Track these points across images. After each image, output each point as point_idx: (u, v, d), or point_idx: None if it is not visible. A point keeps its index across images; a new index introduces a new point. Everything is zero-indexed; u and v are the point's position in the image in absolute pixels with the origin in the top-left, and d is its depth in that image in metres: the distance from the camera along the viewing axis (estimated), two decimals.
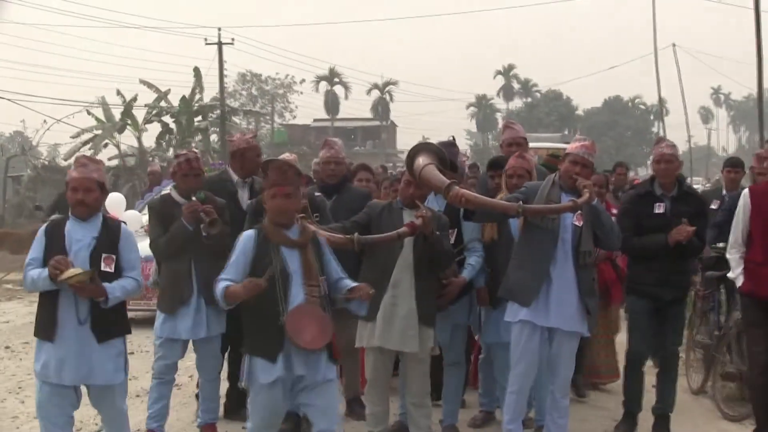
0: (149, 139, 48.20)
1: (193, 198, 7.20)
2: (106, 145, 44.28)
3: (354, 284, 5.83)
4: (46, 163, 46.31)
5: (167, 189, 8.20)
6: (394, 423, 7.65)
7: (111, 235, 6.00)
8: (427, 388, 7.14)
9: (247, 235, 5.68)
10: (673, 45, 54.89)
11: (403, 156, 11.62)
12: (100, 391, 6.03)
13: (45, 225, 6.11)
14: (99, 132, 43.87)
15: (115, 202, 15.11)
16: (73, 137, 44.07)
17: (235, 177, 8.15)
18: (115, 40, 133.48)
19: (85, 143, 43.12)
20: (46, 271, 5.64)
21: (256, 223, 7.23)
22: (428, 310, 6.89)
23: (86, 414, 7.55)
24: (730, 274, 7.54)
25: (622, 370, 8.11)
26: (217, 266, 7.20)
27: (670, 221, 7.39)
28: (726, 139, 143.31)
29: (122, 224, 6.22)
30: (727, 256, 7.52)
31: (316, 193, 7.97)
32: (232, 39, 50.91)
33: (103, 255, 5.91)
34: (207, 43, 49.65)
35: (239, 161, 8.16)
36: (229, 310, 5.83)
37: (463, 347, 7.80)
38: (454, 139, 8.40)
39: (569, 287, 6.67)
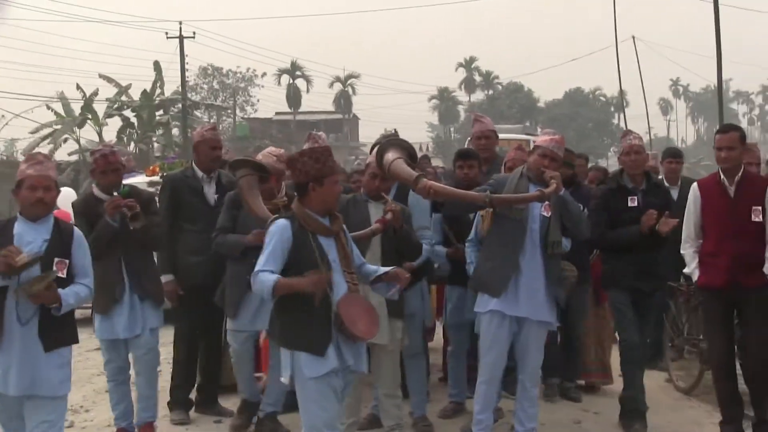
0: (110, 134, 47.97)
1: (115, 193, 7.03)
2: (66, 140, 44.08)
3: (385, 269, 5.82)
4: (5, 158, 45.91)
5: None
6: (367, 415, 7.70)
7: (64, 238, 5.65)
8: (398, 379, 7.22)
9: (283, 225, 5.50)
10: (633, 37, 55.23)
11: (366, 149, 11.67)
12: (41, 402, 5.53)
13: None
14: (59, 127, 43.59)
15: (65, 198, 14.13)
16: (32, 132, 43.80)
17: (199, 173, 8.07)
18: (75, 34, 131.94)
19: (44, 138, 42.85)
20: None
21: (234, 217, 7.28)
22: (397, 303, 6.91)
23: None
24: (686, 270, 7.57)
25: (620, 365, 7.86)
26: (146, 260, 7.19)
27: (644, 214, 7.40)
28: (685, 130, 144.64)
29: (74, 228, 5.90)
30: (682, 251, 7.51)
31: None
32: (194, 33, 50.71)
33: (56, 259, 5.54)
34: (168, 37, 49.40)
35: (197, 155, 8.18)
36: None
37: (420, 338, 7.80)
38: (396, 132, 8.52)
39: (538, 277, 6.76)
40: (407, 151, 6.68)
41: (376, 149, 6.80)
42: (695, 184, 7.58)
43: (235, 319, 7.37)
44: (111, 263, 7.04)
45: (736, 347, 7.49)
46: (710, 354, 7.67)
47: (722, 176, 7.18)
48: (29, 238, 5.51)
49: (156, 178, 12.84)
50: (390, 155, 6.52)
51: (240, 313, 7.32)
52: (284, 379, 5.55)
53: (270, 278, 5.32)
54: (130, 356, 7.37)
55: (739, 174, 7.12)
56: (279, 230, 5.46)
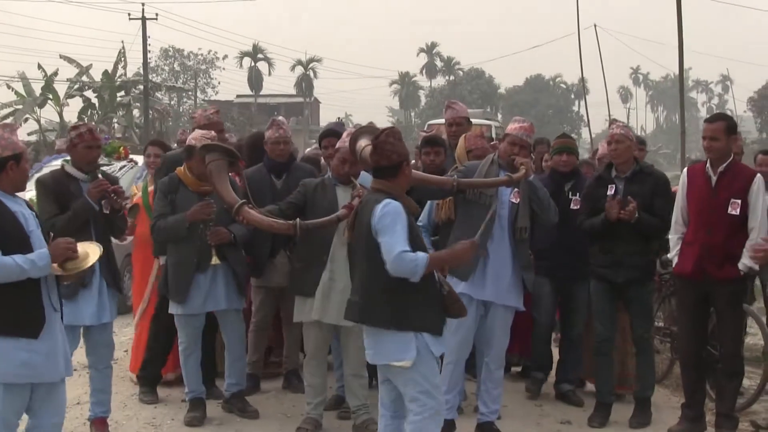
0: (71, 114, 47.67)
1: (99, 176, 6.98)
2: (26, 120, 43.72)
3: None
4: None
5: (56, 163, 7.88)
6: (332, 396, 7.83)
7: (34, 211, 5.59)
8: (364, 360, 7.28)
9: (399, 205, 5.44)
10: (595, 26, 55.45)
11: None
12: (54, 386, 5.47)
13: None
14: (20, 107, 43.26)
15: None
16: None
17: None
18: (36, 13, 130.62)
19: (4, 117, 42.47)
20: (43, 258, 5.18)
21: (172, 201, 7.30)
22: None
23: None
24: (668, 255, 7.56)
25: (593, 357, 7.93)
26: (109, 247, 6.90)
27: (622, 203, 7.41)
28: (644, 118, 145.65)
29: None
30: (669, 236, 7.48)
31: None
32: (156, 14, 50.46)
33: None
34: (131, 18, 49.11)
35: None
36: None
37: None
38: (340, 119, 8.63)
39: (505, 262, 6.91)
40: None
41: (349, 136, 6.87)
42: (685, 169, 7.60)
43: (185, 303, 7.33)
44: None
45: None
46: (679, 342, 7.75)
47: (708, 164, 7.20)
48: (26, 213, 5.40)
49: None
50: (362, 142, 6.62)
51: (191, 297, 7.31)
52: (406, 363, 5.45)
53: (420, 256, 5.33)
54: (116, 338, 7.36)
55: (724, 164, 7.10)
56: (399, 210, 5.41)
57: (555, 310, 8.41)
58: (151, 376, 8.20)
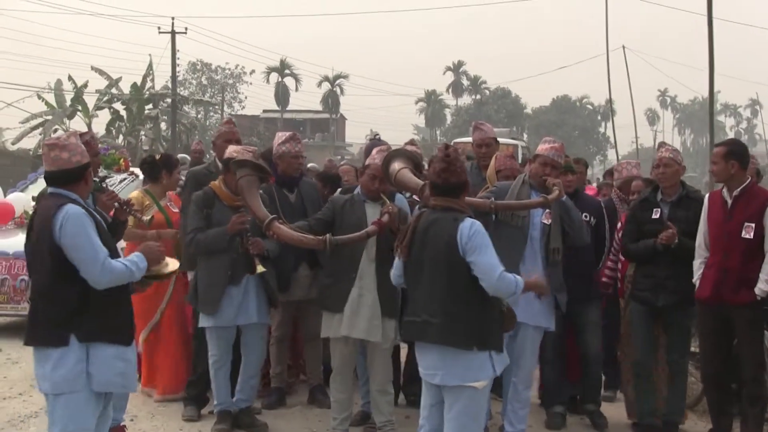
0: (99, 126, 48.01)
1: (105, 186, 6.97)
2: (55, 131, 43.94)
3: None
4: None
5: None
6: (357, 412, 7.82)
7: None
8: (390, 376, 7.35)
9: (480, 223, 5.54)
10: (623, 47, 55.49)
11: (352, 149, 11.76)
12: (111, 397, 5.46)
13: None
14: (49, 117, 43.58)
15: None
16: (22, 122, 43.75)
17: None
18: (69, 25, 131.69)
19: (34, 128, 42.81)
20: (143, 261, 5.27)
21: (207, 216, 7.33)
22: (390, 302, 7.08)
23: None
24: (693, 280, 7.42)
25: (632, 380, 7.94)
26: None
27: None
28: (671, 141, 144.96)
29: None
30: (694, 261, 7.41)
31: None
32: (186, 28, 50.79)
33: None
34: (160, 32, 49.43)
35: (216, 150, 8.25)
36: None
37: None
38: (377, 136, 8.71)
39: None
40: (413, 161, 6.80)
41: (383, 158, 6.89)
42: (707, 195, 7.60)
43: (215, 314, 7.35)
44: None
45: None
46: (702, 367, 7.73)
47: (724, 189, 7.24)
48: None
49: None
50: (396, 165, 6.65)
51: (222, 309, 7.32)
52: (483, 383, 5.49)
53: (518, 278, 5.48)
54: None
55: (740, 188, 7.12)
56: (483, 229, 5.50)
57: (563, 340, 8.04)
58: (198, 395, 8.09)
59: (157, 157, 8.61)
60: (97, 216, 5.26)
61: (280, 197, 7.98)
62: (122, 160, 13.03)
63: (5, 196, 13.79)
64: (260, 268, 7.25)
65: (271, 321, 8.06)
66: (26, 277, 10.93)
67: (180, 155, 15.30)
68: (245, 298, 7.36)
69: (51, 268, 5.01)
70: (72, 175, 5.18)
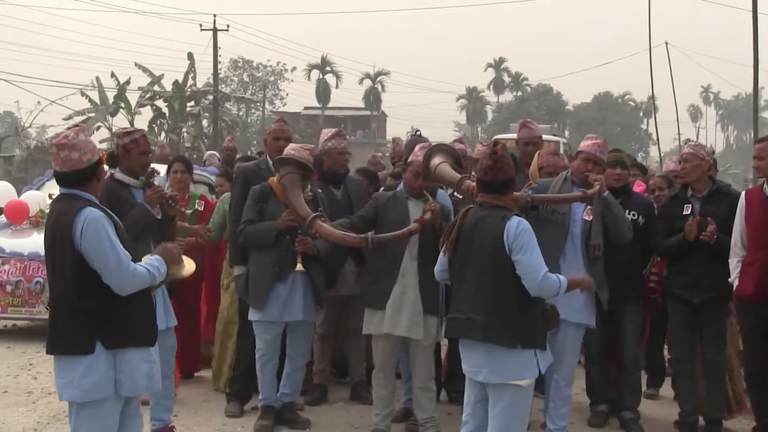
0: (142, 123, 48.25)
1: (156, 183, 6.97)
2: (98, 128, 44.33)
3: None
4: (39, 144, 46.26)
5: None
6: (400, 409, 7.85)
7: None
8: (432, 373, 7.37)
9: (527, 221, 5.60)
10: (666, 43, 54.97)
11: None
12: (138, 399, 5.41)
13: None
14: (92, 114, 43.92)
15: (2, 191, 13.38)
16: (65, 119, 44.08)
17: (272, 164, 7.83)
18: (111, 23, 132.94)
19: (77, 125, 43.13)
20: (163, 264, 5.21)
21: (261, 210, 7.37)
22: (432, 299, 7.11)
23: None
24: (730, 279, 7.40)
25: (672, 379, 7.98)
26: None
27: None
28: (714, 137, 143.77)
29: None
30: (729, 260, 7.38)
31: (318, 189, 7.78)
32: (227, 25, 51.02)
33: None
34: (202, 29, 49.68)
35: (267, 147, 8.28)
36: None
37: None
38: (418, 132, 8.74)
39: None
40: (453, 156, 6.82)
41: (423, 153, 6.93)
42: (743, 192, 7.56)
43: (263, 309, 7.39)
44: (142, 251, 6.00)
45: None
46: (745, 365, 7.69)
47: (765, 185, 7.21)
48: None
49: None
50: (436, 159, 6.68)
51: (268, 304, 7.36)
52: (528, 381, 5.53)
53: (562, 278, 5.53)
54: None
55: None
56: (530, 228, 5.54)
57: (606, 338, 7.96)
58: (240, 391, 8.12)
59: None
60: (114, 217, 5.14)
61: (325, 193, 8.02)
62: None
63: (21, 194, 13.28)
64: (300, 267, 7.28)
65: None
66: (41, 279, 10.94)
67: (209, 152, 15.30)
68: (291, 295, 7.38)
69: (72, 275, 4.90)
70: (84, 175, 5.02)
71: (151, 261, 5.14)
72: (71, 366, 4.92)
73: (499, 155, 5.57)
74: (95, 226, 4.85)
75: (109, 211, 5.12)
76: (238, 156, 14.60)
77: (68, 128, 5.36)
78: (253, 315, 7.50)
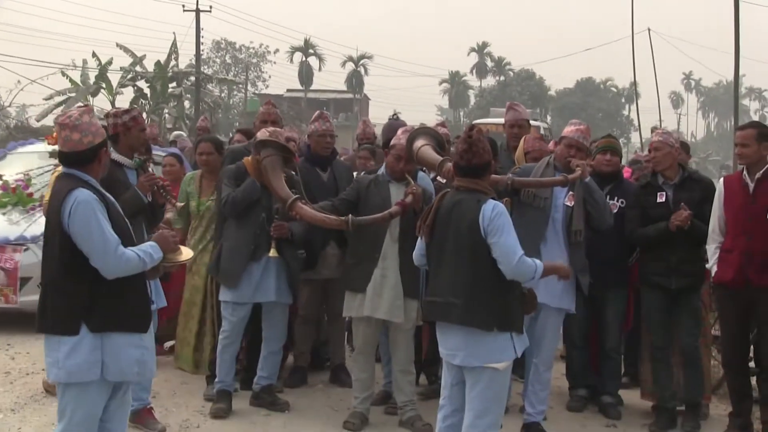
0: (123, 103, 47.95)
1: (150, 169, 7.00)
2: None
3: None
4: (18, 123, 46.00)
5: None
6: (379, 392, 7.87)
7: None
8: (412, 356, 7.39)
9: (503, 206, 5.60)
10: (649, 29, 55.08)
11: (377, 129, 11.66)
12: (128, 386, 5.32)
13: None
14: (73, 95, 43.70)
15: None
16: (46, 99, 43.86)
17: None
18: (93, 3, 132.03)
19: (58, 105, 42.90)
20: (157, 251, 5.11)
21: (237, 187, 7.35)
22: (412, 283, 7.11)
23: None
24: (707, 266, 7.51)
25: (649, 364, 7.97)
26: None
27: (673, 209, 7.43)
28: (695, 124, 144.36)
29: None
30: (706, 246, 7.46)
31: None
32: (210, 6, 50.84)
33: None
34: (185, 10, 49.49)
35: (255, 129, 8.22)
36: None
37: None
38: (397, 116, 8.74)
39: None
40: (436, 139, 6.82)
41: (405, 137, 6.94)
42: (722, 179, 7.61)
43: (236, 289, 7.38)
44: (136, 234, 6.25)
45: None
46: (723, 351, 7.73)
47: (744, 172, 7.24)
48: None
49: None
50: (419, 142, 6.68)
51: (241, 285, 7.36)
52: (504, 364, 5.53)
53: (538, 263, 5.52)
54: None
55: (762, 171, 7.13)
56: (506, 211, 5.54)
57: (588, 324, 8.07)
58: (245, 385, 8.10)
59: None
60: (111, 198, 5.10)
61: (312, 176, 8.02)
62: None
63: None
64: (273, 253, 7.29)
65: (299, 300, 8.11)
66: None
67: (176, 132, 15.03)
68: (264, 275, 7.39)
69: (61, 256, 4.88)
70: (84, 157, 4.97)
71: (144, 247, 5.08)
72: (57, 346, 4.90)
73: (474, 139, 5.58)
74: (83, 208, 4.81)
75: (105, 193, 5.07)
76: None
77: (77, 107, 5.30)
78: (224, 295, 7.48)
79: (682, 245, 7.45)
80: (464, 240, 5.50)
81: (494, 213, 5.42)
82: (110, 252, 4.84)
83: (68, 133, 4.94)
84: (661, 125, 66.38)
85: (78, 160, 4.97)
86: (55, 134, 10.41)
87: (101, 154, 5.08)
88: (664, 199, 7.56)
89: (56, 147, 7.96)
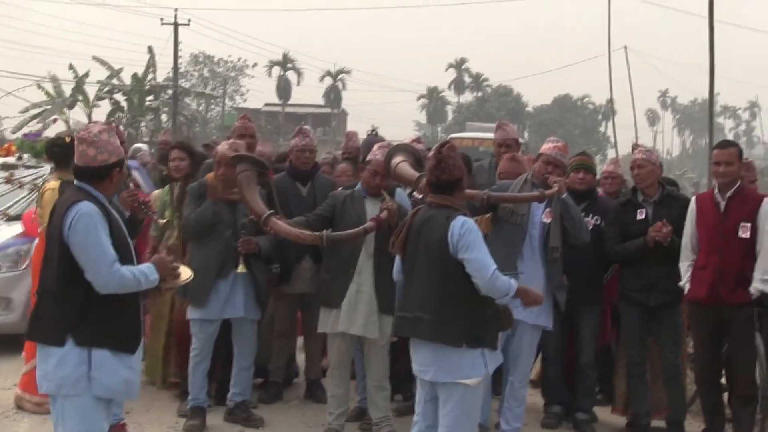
0: (100, 116, 47.92)
1: (127, 182, 6.90)
2: (55, 121, 43.87)
3: None
4: None
5: None
6: (354, 408, 7.81)
7: None
8: (386, 372, 7.35)
9: (474, 222, 5.60)
10: (625, 48, 55.52)
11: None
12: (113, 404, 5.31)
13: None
14: (49, 107, 43.57)
15: None
16: (22, 111, 43.70)
17: None
18: (70, 15, 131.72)
19: (33, 117, 42.76)
20: (153, 273, 5.07)
21: (198, 206, 7.30)
22: (387, 298, 7.04)
23: None
24: (680, 283, 7.44)
25: (624, 380, 7.95)
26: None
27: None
28: (671, 142, 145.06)
29: None
30: (680, 264, 7.43)
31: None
32: (189, 20, 50.85)
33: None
34: (163, 23, 49.43)
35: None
36: None
37: None
38: (375, 132, 8.76)
39: (536, 282, 6.82)
40: (413, 155, 6.81)
41: (382, 153, 6.95)
42: (694, 197, 7.64)
43: (204, 307, 7.35)
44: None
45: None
46: (696, 368, 7.73)
47: (716, 190, 7.28)
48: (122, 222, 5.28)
49: (11, 160, 10.11)
50: (397, 158, 6.68)
51: (210, 302, 7.32)
52: (475, 380, 5.52)
53: (512, 280, 5.51)
54: None
55: (733, 189, 7.17)
56: (476, 227, 5.53)
57: (564, 340, 8.01)
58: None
59: (68, 139, 7.70)
60: (115, 215, 5.09)
61: (292, 190, 8.00)
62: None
63: None
64: (241, 268, 7.29)
65: (275, 314, 8.13)
66: None
67: (136, 145, 14.72)
68: (233, 291, 7.37)
69: (58, 266, 4.87)
70: (96, 173, 4.99)
71: (142, 267, 5.07)
72: (46, 357, 4.90)
73: (443, 155, 5.57)
74: (85, 220, 4.82)
75: (111, 210, 5.06)
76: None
77: (100, 123, 5.33)
78: (192, 313, 7.45)
79: (661, 262, 7.45)
80: (434, 256, 5.51)
81: (463, 229, 5.43)
82: (105, 267, 4.82)
83: (85, 147, 4.98)
84: (637, 142, 66.75)
85: (90, 175, 5.00)
86: (8, 145, 10.23)
87: (114, 173, 5.08)
88: (643, 216, 7.57)
89: (7, 159, 7.79)
